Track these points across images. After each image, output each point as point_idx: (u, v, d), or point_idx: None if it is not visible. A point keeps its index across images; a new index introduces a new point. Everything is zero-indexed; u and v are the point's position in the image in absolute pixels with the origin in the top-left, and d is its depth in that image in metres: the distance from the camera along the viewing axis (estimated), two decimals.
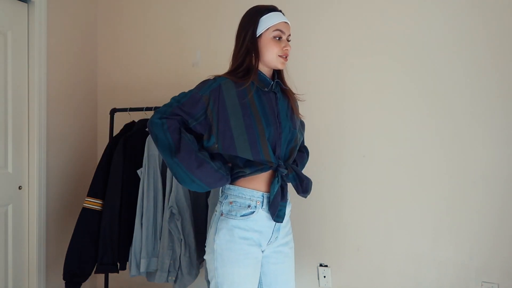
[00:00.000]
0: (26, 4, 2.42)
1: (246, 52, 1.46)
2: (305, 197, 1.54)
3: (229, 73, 1.48)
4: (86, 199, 2.22)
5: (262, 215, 1.42)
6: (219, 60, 2.54)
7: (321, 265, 2.27)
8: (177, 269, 2.07)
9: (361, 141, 2.21)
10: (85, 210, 2.21)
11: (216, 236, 1.41)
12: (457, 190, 2.03)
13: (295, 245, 2.33)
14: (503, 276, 1.94)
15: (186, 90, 2.69)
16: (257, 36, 1.46)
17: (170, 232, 2.06)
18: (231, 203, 1.42)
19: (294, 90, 1.63)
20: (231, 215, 1.41)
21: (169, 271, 2.08)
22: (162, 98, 2.68)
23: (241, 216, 1.40)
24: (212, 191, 2.10)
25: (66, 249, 2.20)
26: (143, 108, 2.40)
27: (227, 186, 1.45)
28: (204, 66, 2.59)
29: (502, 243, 1.95)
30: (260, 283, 1.51)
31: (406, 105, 2.13)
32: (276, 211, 1.40)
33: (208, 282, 2.08)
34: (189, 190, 2.12)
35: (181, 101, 1.44)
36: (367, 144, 2.20)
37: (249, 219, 1.40)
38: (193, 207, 2.14)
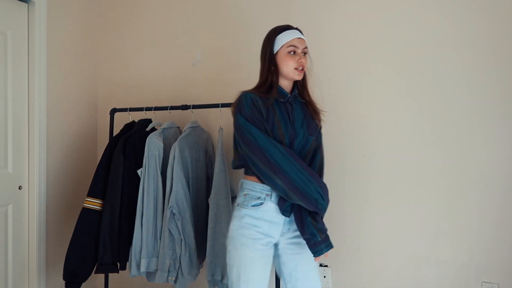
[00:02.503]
0: (26, 4, 2.42)
1: (268, 69, 1.66)
2: None
3: (255, 88, 1.68)
4: (86, 199, 2.23)
5: (271, 207, 1.60)
6: (219, 60, 2.55)
7: (321, 265, 2.27)
8: (177, 269, 2.07)
9: (361, 141, 2.21)
10: (85, 210, 2.21)
11: (231, 223, 1.64)
12: (457, 190, 2.03)
13: None
14: (503, 276, 1.94)
15: (186, 90, 2.70)
16: (274, 53, 1.66)
17: (170, 232, 2.06)
18: (245, 195, 1.63)
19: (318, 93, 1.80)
20: (244, 205, 1.62)
21: (169, 271, 2.07)
22: (162, 98, 2.68)
23: (251, 206, 1.60)
24: (212, 191, 2.10)
25: (66, 249, 2.21)
26: (143, 108, 2.40)
27: (245, 181, 1.66)
28: (204, 66, 2.59)
29: (502, 243, 1.95)
30: (281, 273, 1.68)
31: (406, 105, 2.13)
32: (284, 205, 1.57)
33: (208, 282, 2.09)
34: (189, 190, 2.12)
35: (243, 129, 1.58)
36: (367, 144, 2.20)
37: (259, 209, 1.59)
38: (193, 207, 2.14)
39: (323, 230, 1.56)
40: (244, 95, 1.63)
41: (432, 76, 2.08)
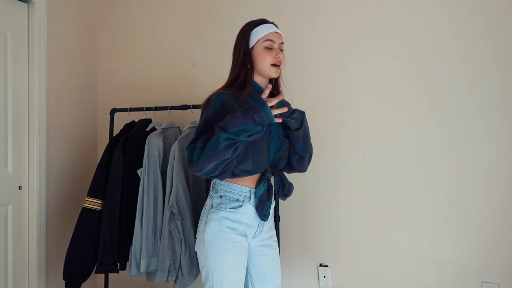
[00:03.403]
0: (26, 4, 2.42)
1: (241, 65, 1.55)
2: (284, 199, 1.67)
3: (227, 87, 1.55)
4: (86, 199, 2.22)
5: (249, 209, 1.54)
6: (219, 60, 2.55)
7: (321, 265, 2.27)
8: (177, 269, 2.07)
9: (361, 141, 2.21)
10: (85, 210, 2.21)
11: (206, 227, 1.53)
12: (457, 190, 2.04)
13: (296, 245, 2.34)
14: (503, 276, 1.94)
15: (186, 90, 2.71)
16: (250, 48, 1.55)
17: (170, 232, 2.06)
18: (221, 196, 1.55)
19: (288, 96, 1.71)
20: (221, 207, 1.53)
21: (169, 271, 2.07)
22: (162, 98, 2.68)
23: (230, 208, 1.53)
24: None
25: (66, 249, 2.20)
26: (143, 108, 2.40)
27: (218, 181, 1.57)
28: (204, 66, 2.59)
29: (502, 243, 1.95)
30: (249, 274, 1.64)
31: (407, 105, 2.13)
32: (263, 211, 1.54)
33: None
34: (189, 190, 2.12)
35: (200, 129, 1.47)
36: (367, 144, 2.20)
37: (237, 211, 1.53)
38: (193, 207, 2.14)
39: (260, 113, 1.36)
40: (215, 98, 1.50)
41: (433, 76, 2.08)
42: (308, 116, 1.73)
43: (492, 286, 1.95)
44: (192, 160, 1.43)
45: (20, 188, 2.40)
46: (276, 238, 1.70)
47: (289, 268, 2.32)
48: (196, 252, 2.09)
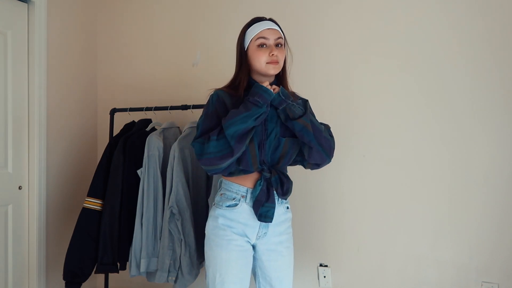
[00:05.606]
0: (26, 4, 2.42)
1: (239, 66, 1.58)
2: (285, 199, 1.62)
3: (227, 86, 1.60)
4: (86, 199, 2.23)
5: (245, 209, 1.54)
6: (219, 60, 2.55)
7: (321, 265, 2.27)
8: (177, 269, 2.07)
9: (361, 141, 2.21)
10: (85, 210, 2.21)
11: (207, 223, 1.61)
12: (458, 190, 2.04)
13: (296, 245, 2.33)
14: (503, 276, 1.94)
15: (186, 90, 2.71)
16: (245, 49, 1.56)
17: (170, 232, 2.06)
18: (221, 194, 1.59)
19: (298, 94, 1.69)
20: (219, 205, 1.57)
21: (169, 271, 2.07)
22: (162, 98, 2.68)
23: (226, 206, 1.55)
24: (212, 190, 2.10)
25: (66, 249, 2.21)
26: (143, 108, 2.40)
27: (223, 180, 1.61)
28: (204, 66, 2.59)
29: (502, 243, 1.95)
30: (257, 276, 1.65)
31: (407, 105, 2.13)
32: (259, 210, 1.51)
33: None
34: (189, 190, 2.12)
35: (201, 124, 1.53)
36: (367, 144, 2.20)
37: (233, 210, 1.54)
38: (193, 207, 2.14)
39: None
40: (212, 94, 1.57)
41: (434, 76, 2.08)
42: None
43: (492, 286, 1.95)
44: (203, 153, 1.46)
45: (20, 188, 2.40)
46: (289, 245, 1.65)
47: None
48: (196, 252, 2.10)
